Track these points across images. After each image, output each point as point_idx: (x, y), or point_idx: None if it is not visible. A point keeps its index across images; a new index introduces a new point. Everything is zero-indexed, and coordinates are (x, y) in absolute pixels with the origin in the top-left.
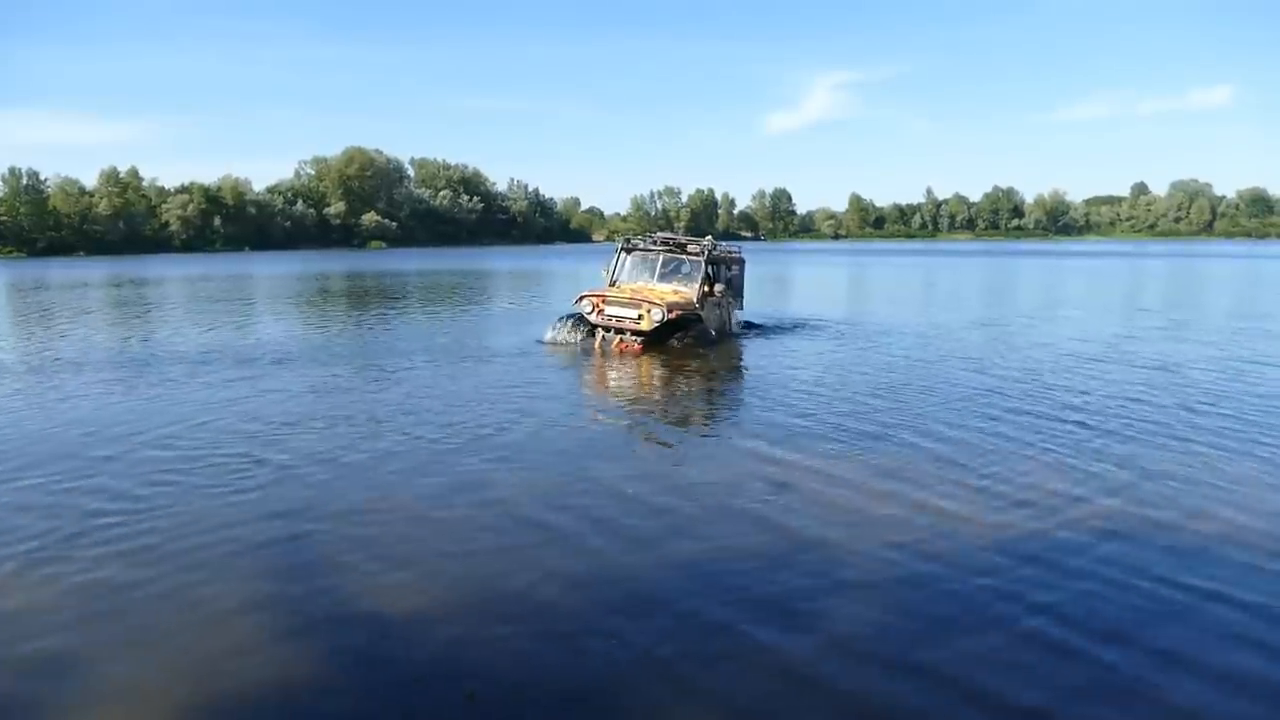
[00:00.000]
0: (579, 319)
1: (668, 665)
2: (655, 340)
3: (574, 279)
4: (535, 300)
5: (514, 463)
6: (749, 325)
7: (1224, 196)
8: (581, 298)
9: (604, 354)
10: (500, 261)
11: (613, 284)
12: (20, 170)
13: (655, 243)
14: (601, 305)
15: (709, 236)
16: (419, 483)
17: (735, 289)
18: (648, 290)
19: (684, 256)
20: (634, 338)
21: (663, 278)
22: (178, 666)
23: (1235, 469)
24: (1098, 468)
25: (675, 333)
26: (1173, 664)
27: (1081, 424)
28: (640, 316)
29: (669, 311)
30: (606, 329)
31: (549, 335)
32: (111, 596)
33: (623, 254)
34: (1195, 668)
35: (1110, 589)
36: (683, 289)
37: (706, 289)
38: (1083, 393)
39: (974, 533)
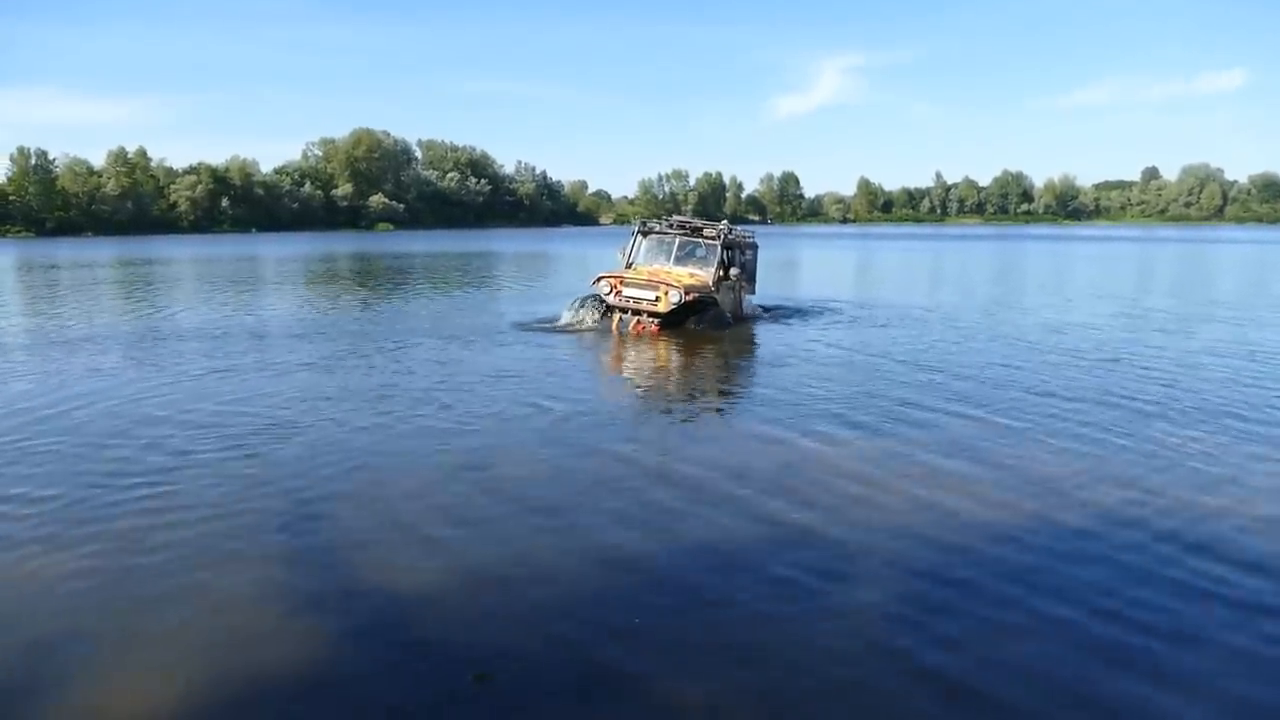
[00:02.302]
0: (597, 300)
1: (679, 647)
2: (672, 322)
3: (582, 262)
4: (547, 282)
5: (530, 443)
6: (761, 309)
7: (1235, 181)
8: (599, 279)
9: (621, 335)
10: (508, 244)
11: (629, 266)
12: (29, 150)
13: (672, 226)
14: (619, 287)
15: (725, 221)
16: (431, 462)
17: (748, 273)
18: (664, 273)
19: (700, 240)
20: (651, 319)
21: (678, 261)
22: (188, 645)
23: (1252, 457)
24: (1105, 453)
25: (692, 315)
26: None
27: (1088, 409)
28: (658, 298)
29: (686, 294)
30: (624, 310)
31: (566, 316)
32: (121, 575)
33: (639, 236)
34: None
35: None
36: (699, 272)
37: (722, 273)
38: (1089, 376)
39: (977, 520)
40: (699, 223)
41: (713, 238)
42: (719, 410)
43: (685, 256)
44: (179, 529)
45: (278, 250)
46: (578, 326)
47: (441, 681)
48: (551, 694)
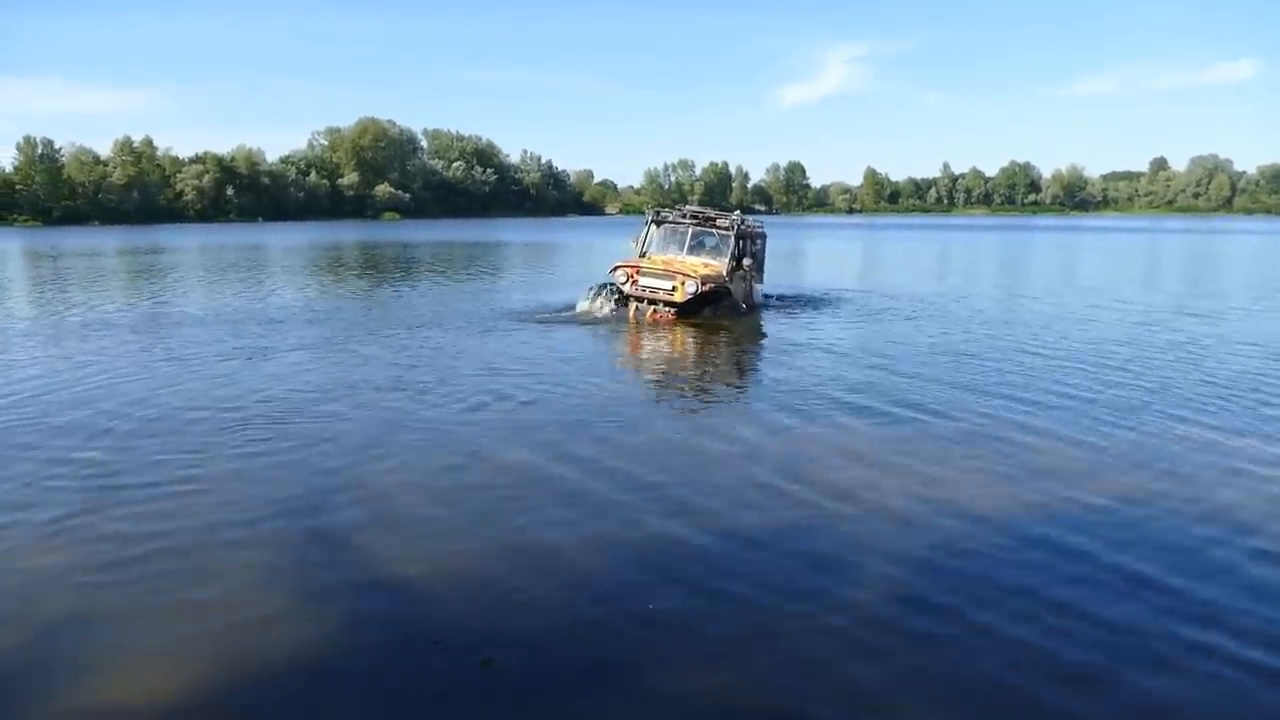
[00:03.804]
0: (612, 289)
1: (686, 635)
2: (687, 312)
3: (588, 251)
4: (556, 272)
5: (541, 432)
6: (769, 298)
7: (1244, 172)
8: (616, 268)
9: (638, 324)
10: (515, 234)
11: (643, 255)
12: (35, 139)
13: (685, 216)
14: (636, 276)
15: (738, 211)
16: (441, 450)
17: (758, 263)
18: (680, 263)
19: (713, 230)
20: (667, 308)
21: (691, 250)
22: (199, 631)
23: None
24: (1114, 445)
25: (707, 305)
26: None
27: (1096, 402)
28: (674, 288)
29: (702, 284)
30: (640, 299)
31: (583, 305)
32: (129, 561)
33: (652, 226)
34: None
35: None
36: (711, 262)
37: (735, 264)
38: (1097, 370)
39: (978, 511)
40: (712, 213)
41: (726, 228)
42: (730, 400)
43: (697, 246)
44: (185, 515)
45: (284, 239)
46: (594, 315)
47: (449, 667)
48: (558, 679)
